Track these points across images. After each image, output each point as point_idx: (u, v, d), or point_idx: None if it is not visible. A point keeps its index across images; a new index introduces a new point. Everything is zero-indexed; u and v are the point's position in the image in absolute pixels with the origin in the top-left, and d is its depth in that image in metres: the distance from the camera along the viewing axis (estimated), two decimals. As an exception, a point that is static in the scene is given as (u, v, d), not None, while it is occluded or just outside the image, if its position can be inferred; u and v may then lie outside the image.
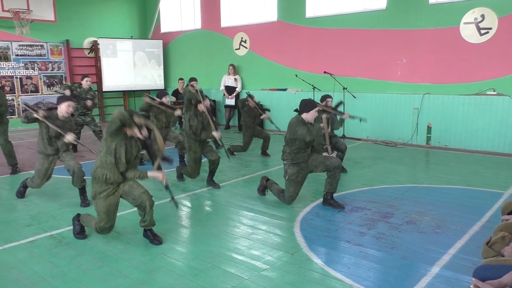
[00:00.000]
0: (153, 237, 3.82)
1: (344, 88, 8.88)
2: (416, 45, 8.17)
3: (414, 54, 8.23)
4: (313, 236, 3.93)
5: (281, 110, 10.16)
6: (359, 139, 9.04)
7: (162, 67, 13.37)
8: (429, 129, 8.21)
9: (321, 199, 4.91)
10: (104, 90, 12.61)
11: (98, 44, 12.44)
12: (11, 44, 11.23)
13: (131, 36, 13.35)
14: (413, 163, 6.96)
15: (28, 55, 11.56)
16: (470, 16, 7.50)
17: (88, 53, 12.78)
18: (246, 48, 11.11)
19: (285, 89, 10.26)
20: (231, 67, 10.91)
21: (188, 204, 5.00)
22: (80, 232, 3.95)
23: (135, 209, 4.71)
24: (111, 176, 3.57)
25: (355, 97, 8.84)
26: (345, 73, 9.19)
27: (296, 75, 9.75)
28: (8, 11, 10.50)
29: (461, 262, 3.37)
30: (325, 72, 9.23)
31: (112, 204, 3.68)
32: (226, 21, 11.59)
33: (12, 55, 11.26)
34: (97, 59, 12.70)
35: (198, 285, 3.07)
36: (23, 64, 11.47)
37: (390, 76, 8.62)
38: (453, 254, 3.52)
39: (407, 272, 3.23)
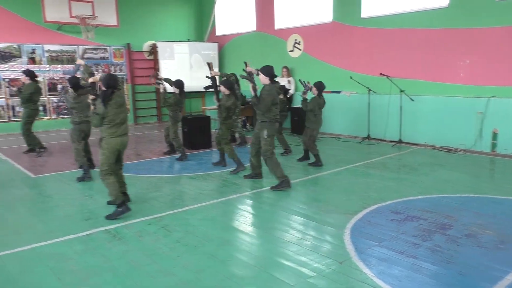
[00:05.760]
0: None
1: (401, 91, 8.54)
2: (481, 45, 7.67)
3: (478, 55, 7.73)
4: (363, 245, 3.79)
5: (334, 112, 9.97)
6: (417, 144, 8.64)
7: (217, 69, 13.59)
8: (494, 135, 7.67)
9: (374, 207, 4.78)
10: (161, 91, 13.00)
11: (157, 47, 12.91)
12: (78, 48, 11.95)
13: (188, 39, 13.73)
14: (475, 171, 6.53)
15: (93, 58, 12.25)
16: (545, 14, 6.92)
17: (148, 56, 13.31)
18: (300, 50, 11.02)
19: (339, 92, 10.05)
20: (284, 69, 10.87)
21: (238, 206, 5.02)
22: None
23: (186, 208, 4.86)
24: None
25: (413, 100, 8.47)
26: (402, 75, 8.83)
27: (351, 77, 9.52)
28: (75, 17, 11.19)
29: (528, 282, 3.09)
30: (381, 74, 8.93)
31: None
32: (280, 23, 11.58)
33: (79, 58, 11.96)
34: (156, 61, 13.19)
35: (243, 288, 3.05)
36: (88, 67, 12.14)
37: (451, 78, 8.16)
38: (518, 273, 3.23)
39: (465, 289, 3.02)
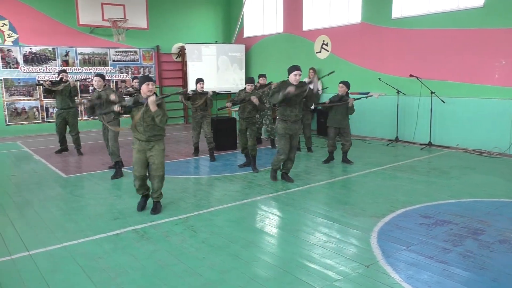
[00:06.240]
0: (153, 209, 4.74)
1: (432, 92, 8.33)
2: (517, 45, 7.40)
3: (514, 55, 7.46)
4: (391, 249, 3.71)
5: (362, 114, 9.82)
6: (448, 147, 8.41)
7: (243, 70, 13.68)
8: (531, 138, 7.37)
9: (402, 210, 4.70)
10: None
11: (185, 49, 13.08)
12: (109, 50, 12.28)
13: (216, 41, 13.86)
14: (510, 175, 6.28)
15: (123, 61, 12.55)
16: None
17: (176, 58, 13.51)
18: (328, 51, 10.93)
19: (367, 93, 9.89)
20: (311, 71, 10.76)
21: (263, 207, 5.02)
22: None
23: (212, 208, 4.90)
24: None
25: (444, 102, 8.25)
26: (433, 76, 8.62)
27: (380, 79, 9.37)
28: (107, 20, 11.49)
29: None
30: (411, 75, 8.75)
31: (141, 158, 4.65)
32: (308, 24, 11.53)
33: (110, 60, 12.30)
34: (184, 63, 13.38)
35: (268, 290, 3.05)
36: (118, 69, 12.47)
37: (485, 80, 7.91)
38: (556, 282, 3.09)
39: (499, 298, 2.91)
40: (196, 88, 7.56)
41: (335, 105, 6.95)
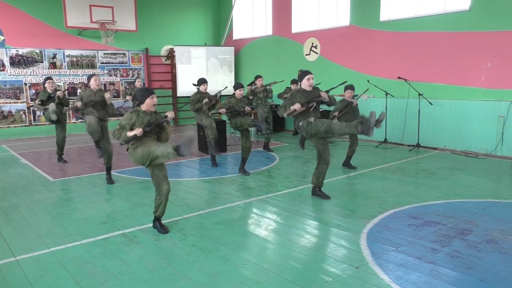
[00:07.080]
0: (160, 227, 4.28)
1: (419, 94, 8.42)
2: (503, 48, 7.51)
3: (500, 58, 7.57)
4: (380, 250, 3.73)
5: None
6: (435, 149, 8.50)
7: (233, 73, 13.68)
8: (516, 139, 7.49)
9: (391, 211, 4.72)
10: (178, 95, 13.18)
11: (174, 52, 13.04)
12: (97, 52, 12.18)
13: (205, 44, 13.84)
14: (496, 176, 6.38)
15: (112, 63, 12.46)
16: None
17: (165, 60, 13.46)
18: (317, 53, 10.99)
19: (355, 95, 9.95)
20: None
21: (253, 210, 5.01)
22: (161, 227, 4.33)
23: (201, 211, 4.87)
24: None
25: (431, 104, 8.34)
26: (421, 79, 8.71)
27: (368, 81, 9.43)
28: (95, 22, 11.41)
29: (552, 291, 2.99)
30: (399, 77, 8.83)
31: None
32: (297, 26, 11.58)
33: (98, 63, 12.21)
34: (173, 66, 13.33)
35: (259, 293, 3.04)
36: (107, 71, 12.38)
37: (472, 82, 8.02)
38: (541, 281, 3.14)
39: (486, 297, 2.94)
40: (200, 89, 7.41)
41: (343, 113, 6.93)
